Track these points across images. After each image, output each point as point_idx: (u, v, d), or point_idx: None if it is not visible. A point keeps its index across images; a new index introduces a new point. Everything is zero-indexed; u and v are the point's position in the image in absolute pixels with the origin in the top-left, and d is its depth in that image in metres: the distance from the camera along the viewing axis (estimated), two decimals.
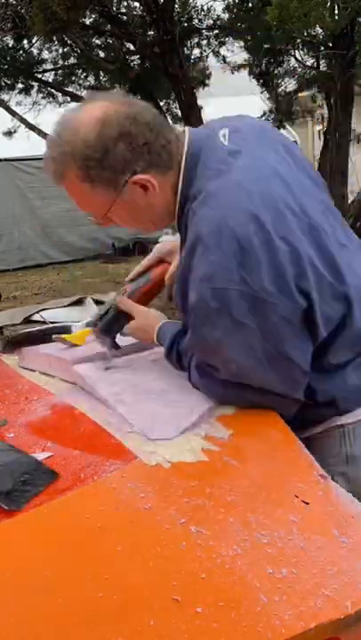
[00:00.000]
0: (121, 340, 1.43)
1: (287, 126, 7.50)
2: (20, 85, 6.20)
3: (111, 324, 1.38)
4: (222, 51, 6.05)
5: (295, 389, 1.15)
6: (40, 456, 1.03)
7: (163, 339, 1.31)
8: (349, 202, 5.21)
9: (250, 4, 5.35)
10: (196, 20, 5.73)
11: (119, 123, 1.11)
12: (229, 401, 1.19)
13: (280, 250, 1.05)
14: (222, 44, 5.96)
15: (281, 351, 1.09)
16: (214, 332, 1.09)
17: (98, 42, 5.97)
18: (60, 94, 6.51)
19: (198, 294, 1.08)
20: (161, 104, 5.87)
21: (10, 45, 5.65)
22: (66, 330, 1.67)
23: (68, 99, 6.43)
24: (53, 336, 1.53)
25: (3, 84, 5.96)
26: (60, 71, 6.37)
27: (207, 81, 6.20)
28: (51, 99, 6.62)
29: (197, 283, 1.08)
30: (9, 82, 5.99)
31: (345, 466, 1.19)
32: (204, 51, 6.03)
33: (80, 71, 6.40)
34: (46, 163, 1.19)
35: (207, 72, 6.19)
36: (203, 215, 1.09)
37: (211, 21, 5.75)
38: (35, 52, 6.01)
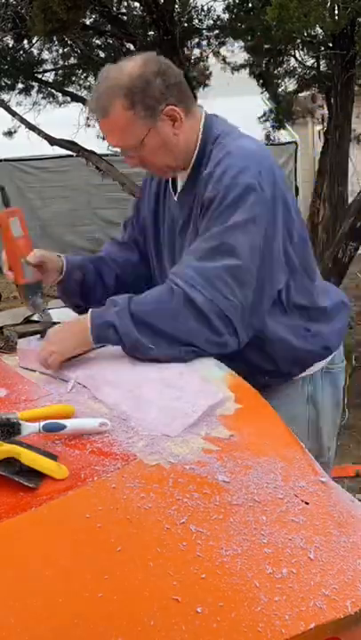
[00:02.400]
0: None
1: (287, 126, 7.49)
2: (21, 85, 6.19)
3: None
4: (222, 51, 6.05)
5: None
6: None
7: (102, 314, 1.35)
8: (349, 202, 5.20)
9: (250, 5, 5.35)
10: (197, 21, 5.72)
11: (157, 63, 1.40)
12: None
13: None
14: (222, 44, 5.95)
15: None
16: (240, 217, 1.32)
17: (98, 42, 5.97)
18: (60, 94, 6.51)
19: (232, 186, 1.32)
20: None
21: (10, 45, 5.64)
22: None
23: (69, 99, 6.44)
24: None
25: (3, 84, 5.95)
26: (60, 71, 6.37)
27: (207, 81, 6.19)
28: (51, 99, 6.62)
29: (231, 179, 1.33)
30: (9, 82, 5.98)
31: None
32: (205, 51, 6.02)
33: (80, 71, 6.40)
34: (92, 102, 1.42)
35: (207, 72, 6.18)
36: (231, 145, 1.40)
37: (211, 21, 5.75)
38: (35, 52, 6.00)
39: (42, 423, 1.07)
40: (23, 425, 1.06)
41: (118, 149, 1.47)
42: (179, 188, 1.52)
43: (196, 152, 1.45)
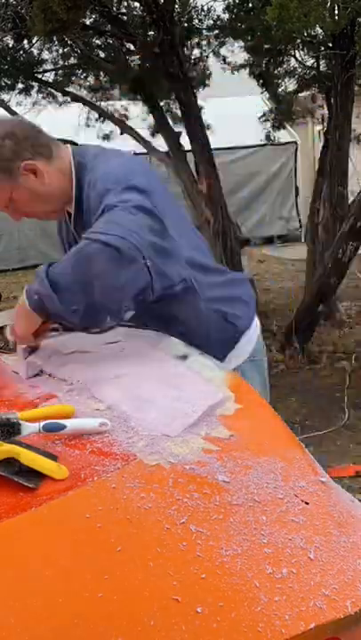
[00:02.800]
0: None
1: (287, 126, 7.49)
2: (21, 85, 6.18)
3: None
4: (222, 51, 6.04)
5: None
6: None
7: (33, 288, 1.37)
8: (349, 202, 5.20)
9: (250, 5, 5.35)
10: (197, 21, 5.71)
11: (3, 128, 1.50)
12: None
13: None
14: (222, 44, 5.94)
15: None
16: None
17: (98, 42, 5.96)
18: (60, 94, 6.50)
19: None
20: (161, 104, 5.85)
21: (10, 45, 5.63)
22: None
23: (69, 99, 6.43)
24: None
25: (3, 84, 5.94)
26: (60, 71, 6.36)
27: (207, 81, 6.19)
28: (51, 99, 6.61)
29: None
30: (9, 82, 5.97)
31: None
32: (205, 51, 6.02)
33: (80, 71, 6.39)
34: None
35: (207, 72, 6.18)
36: (97, 164, 1.51)
37: (211, 22, 5.74)
38: (35, 52, 5.99)
39: (42, 423, 1.07)
40: (23, 425, 1.06)
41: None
42: (72, 218, 1.61)
43: (74, 187, 1.54)
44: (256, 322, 1.71)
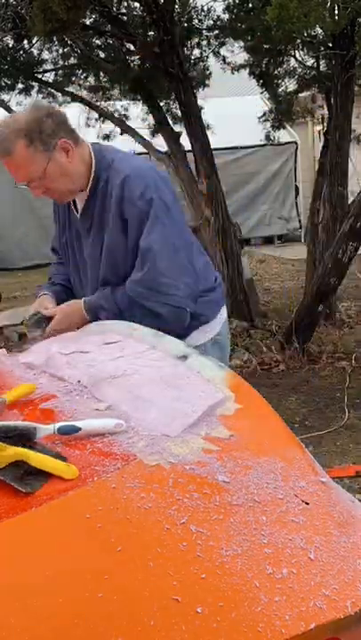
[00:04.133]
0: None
1: (287, 126, 7.49)
2: (21, 86, 6.18)
3: (39, 321, 1.83)
4: (222, 51, 6.03)
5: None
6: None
7: (94, 301, 1.79)
8: (349, 202, 5.20)
9: (250, 5, 5.35)
10: (197, 21, 5.72)
11: (47, 108, 1.76)
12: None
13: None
14: (222, 44, 5.93)
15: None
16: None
17: (98, 42, 5.96)
18: (60, 94, 6.50)
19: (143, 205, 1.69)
20: (161, 104, 5.85)
21: (10, 45, 5.63)
22: None
23: (69, 99, 6.43)
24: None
25: (3, 84, 5.94)
26: (60, 71, 6.36)
27: (207, 81, 6.19)
28: (51, 99, 6.61)
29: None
30: (9, 82, 5.97)
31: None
32: (205, 51, 6.01)
33: (80, 71, 6.39)
34: None
35: (207, 72, 6.18)
36: (121, 166, 1.74)
37: (211, 22, 5.74)
38: (35, 52, 5.99)
39: (56, 426, 1.07)
40: (38, 428, 1.06)
41: (25, 185, 1.74)
42: (79, 207, 1.85)
43: (92, 176, 1.77)
44: (222, 310, 1.98)
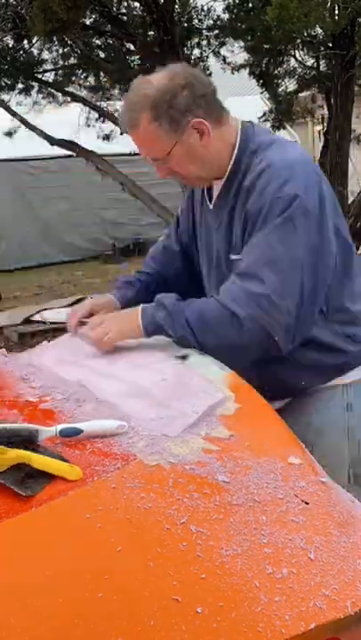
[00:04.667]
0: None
1: (287, 126, 7.48)
2: (21, 85, 6.19)
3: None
4: (222, 51, 6.04)
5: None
6: None
7: (151, 311, 1.42)
8: (349, 202, 5.21)
9: (250, 5, 5.35)
10: (197, 21, 5.72)
11: (185, 76, 1.40)
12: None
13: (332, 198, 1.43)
14: (222, 44, 5.94)
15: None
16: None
17: (98, 42, 5.96)
18: (60, 94, 6.51)
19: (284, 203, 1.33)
20: None
21: (10, 45, 5.64)
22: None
23: (69, 99, 6.43)
24: None
25: (3, 84, 5.94)
26: (60, 71, 6.36)
27: None
28: (51, 99, 6.62)
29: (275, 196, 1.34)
30: (9, 82, 5.97)
31: None
32: (205, 51, 6.02)
33: (80, 71, 6.40)
34: (122, 115, 1.45)
35: (207, 72, 6.18)
36: (273, 157, 1.39)
37: (211, 22, 5.75)
38: (35, 52, 6.00)
39: (58, 428, 1.07)
40: (40, 430, 1.06)
41: (151, 161, 1.47)
42: (214, 197, 1.53)
43: (231, 163, 1.46)
44: None
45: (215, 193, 1.52)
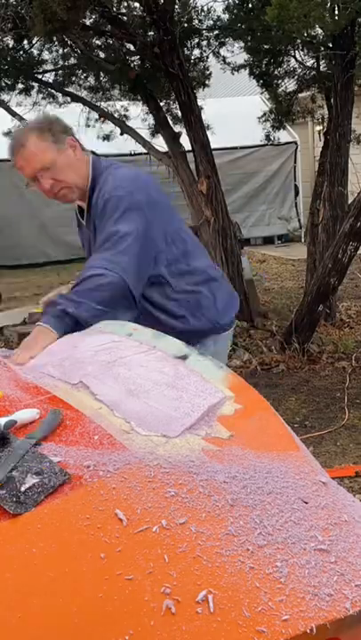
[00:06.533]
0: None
1: (287, 126, 7.49)
2: (21, 86, 6.18)
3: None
4: (222, 51, 6.03)
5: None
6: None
7: (50, 311, 1.72)
8: (349, 202, 5.20)
9: (250, 5, 5.35)
10: (197, 21, 5.71)
11: (51, 116, 1.99)
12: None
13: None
14: (222, 44, 5.93)
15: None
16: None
17: (98, 42, 5.95)
18: (60, 95, 6.50)
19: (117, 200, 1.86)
20: (161, 104, 5.85)
21: (10, 46, 5.63)
22: None
23: (69, 99, 6.43)
24: None
25: (3, 84, 5.94)
26: (60, 72, 6.36)
27: (207, 81, 6.18)
28: (51, 99, 6.61)
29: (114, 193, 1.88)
30: (9, 82, 5.97)
31: None
32: (205, 51, 6.01)
33: (80, 72, 6.39)
34: (9, 147, 1.90)
35: (207, 72, 6.18)
36: (113, 173, 1.94)
37: (211, 22, 5.74)
38: (35, 52, 5.99)
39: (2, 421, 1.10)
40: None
41: (33, 183, 1.92)
42: (85, 215, 2.02)
43: (89, 184, 1.94)
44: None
45: (85, 213, 2.01)
